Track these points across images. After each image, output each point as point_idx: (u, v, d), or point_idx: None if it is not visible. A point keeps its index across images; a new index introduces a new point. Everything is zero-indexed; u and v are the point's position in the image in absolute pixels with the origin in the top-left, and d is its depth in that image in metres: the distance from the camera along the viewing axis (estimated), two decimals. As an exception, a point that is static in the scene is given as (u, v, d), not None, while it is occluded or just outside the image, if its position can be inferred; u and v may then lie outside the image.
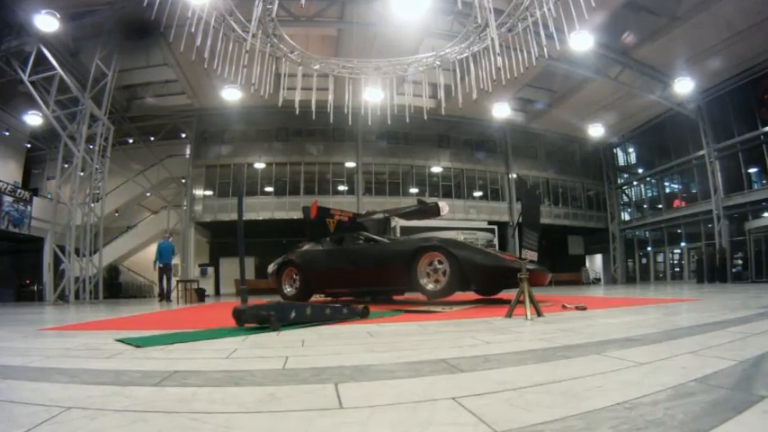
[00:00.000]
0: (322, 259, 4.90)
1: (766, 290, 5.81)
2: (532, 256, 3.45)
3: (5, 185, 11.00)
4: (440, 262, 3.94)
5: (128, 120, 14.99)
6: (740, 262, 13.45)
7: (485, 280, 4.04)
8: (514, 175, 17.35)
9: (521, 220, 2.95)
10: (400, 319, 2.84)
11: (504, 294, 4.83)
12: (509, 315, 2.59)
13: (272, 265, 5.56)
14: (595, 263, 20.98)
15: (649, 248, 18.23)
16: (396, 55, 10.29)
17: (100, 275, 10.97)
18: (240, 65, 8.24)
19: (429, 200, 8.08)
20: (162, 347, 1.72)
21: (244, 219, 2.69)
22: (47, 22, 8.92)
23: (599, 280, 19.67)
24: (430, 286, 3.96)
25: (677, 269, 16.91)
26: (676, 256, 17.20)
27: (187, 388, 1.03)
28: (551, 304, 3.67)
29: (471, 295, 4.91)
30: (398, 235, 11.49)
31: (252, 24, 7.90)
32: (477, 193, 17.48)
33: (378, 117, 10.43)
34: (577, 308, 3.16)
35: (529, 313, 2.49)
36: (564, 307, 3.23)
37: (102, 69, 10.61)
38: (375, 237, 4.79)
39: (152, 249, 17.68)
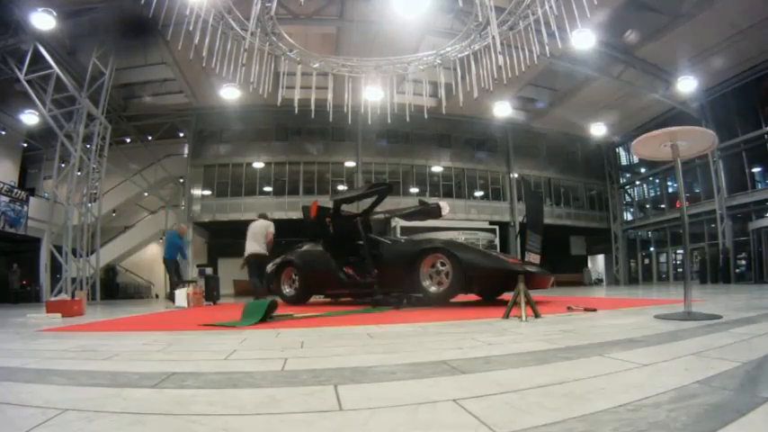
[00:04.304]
0: (322, 260, 4.88)
1: None
2: (535, 259, 3.44)
3: (2, 185, 10.96)
4: (442, 264, 3.94)
5: (125, 119, 14.94)
6: (743, 262, 13.37)
7: (487, 282, 4.03)
8: (516, 175, 17.33)
9: (525, 220, 2.93)
10: (400, 320, 2.83)
11: (507, 296, 4.82)
12: (506, 316, 2.58)
13: (270, 265, 5.53)
14: (597, 263, 20.95)
15: (652, 249, 18.18)
16: (396, 53, 10.26)
17: (97, 276, 10.95)
18: (239, 63, 8.21)
19: (430, 200, 8.07)
20: (160, 349, 1.71)
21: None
22: (43, 21, 8.87)
23: (601, 281, 19.65)
24: (433, 288, 3.97)
25: (680, 270, 16.84)
26: (679, 257, 17.13)
27: (185, 390, 1.02)
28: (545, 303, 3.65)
29: (471, 296, 4.91)
30: (399, 235, 11.48)
31: (250, 22, 7.87)
32: (479, 193, 17.45)
33: (378, 116, 10.41)
34: (586, 309, 3.03)
35: (524, 314, 2.47)
36: (570, 308, 3.08)
37: (100, 68, 10.58)
38: (378, 238, 4.76)
39: (150, 250, 17.71)
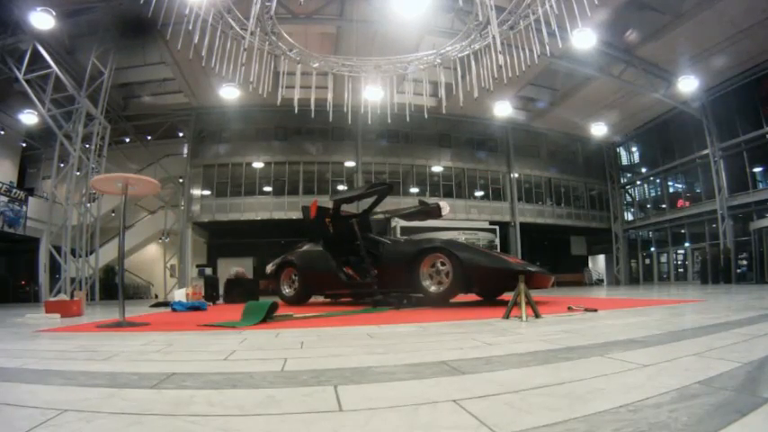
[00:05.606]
0: (322, 260, 4.87)
1: (768, 290, 5.80)
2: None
3: (1, 185, 10.95)
4: (442, 264, 3.93)
5: (124, 118, 14.92)
6: (745, 263, 13.30)
7: (487, 282, 4.03)
8: (516, 175, 17.36)
9: None
10: (400, 320, 2.83)
11: (507, 296, 4.82)
12: (506, 316, 2.58)
13: (270, 265, 5.53)
14: (598, 263, 20.94)
15: (653, 249, 18.13)
16: (396, 53, 10.25)
17: (96, 276, 10.94)
18: (238, 63, 8.19)
19: (430, 200, 8.06)
20: (159, 349, 1.71)
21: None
22: (42, 20, 8.85)
23: (602, 281, 19.63)
24: (433, 288, 3.96)
25: (681, 270, 16.83)
26: (680, 257, 17.10)
27: (184, 390, 1.02)
28: (545, 303, 3.64)
29: (471, 297, 4.91)
30: (399, 235, 11.47)
31: (250, 22, 7.86)
32: (479, 193, 17.44)
33: (378, 116, 10.39)
34: (587, 310, 3.01)
35: (525, 314, 2.46)
36: (570, 309, 3.07)
37: (99, 67, 10.56)
38: (378, 238, 4.76)
39: (150, 250, 17.68)
